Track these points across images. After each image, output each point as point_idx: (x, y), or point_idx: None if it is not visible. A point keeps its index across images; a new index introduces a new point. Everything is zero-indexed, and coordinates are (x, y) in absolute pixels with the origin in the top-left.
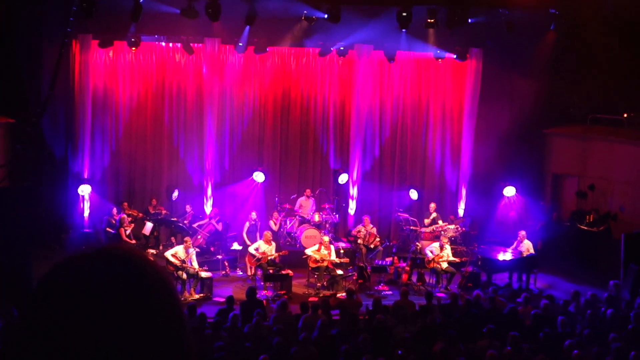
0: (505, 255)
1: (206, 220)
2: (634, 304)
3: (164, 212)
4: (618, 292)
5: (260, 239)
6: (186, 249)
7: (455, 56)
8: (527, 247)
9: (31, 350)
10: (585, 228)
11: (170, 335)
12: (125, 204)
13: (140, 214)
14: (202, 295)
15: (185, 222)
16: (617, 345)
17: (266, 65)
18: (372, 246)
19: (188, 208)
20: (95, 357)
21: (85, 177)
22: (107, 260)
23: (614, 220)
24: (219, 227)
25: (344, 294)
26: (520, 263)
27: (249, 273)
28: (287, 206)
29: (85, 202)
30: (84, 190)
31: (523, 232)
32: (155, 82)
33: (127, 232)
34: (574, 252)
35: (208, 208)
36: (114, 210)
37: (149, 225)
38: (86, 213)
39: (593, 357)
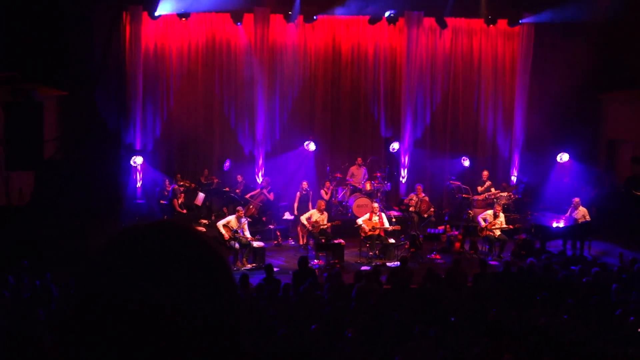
0: (559, 223)
1: (258, 190)
2: None
3: (215, 181)
4: None
5: (312, 208)
6: (238, 219)
7: (507, 21)
8: (581, 214)
9: (89, 320)
10: None
11: (223, 305)
12: (179, 175)
13: (193, 185)
14: (254, 264)
15: (237, 191)
16: None
17: (316, 34)
18: (425, 215)
19: (240, 178)
20: (151, 326)
21: (138, 148)
22: (162, 231)
23: None
24: (271, 196)
25: (396, 262)
26: (574, 230)
27: (301, 242)
28: (339, 175)
29: (138, 173)
30: (137, 161)
31: (577, 199)
32: (205, 52)
33: (180, 203)
34: (629, 218)
35: (259, 178)
36: (167, 181)
37: (201, 196)
38: (139, 184)
39: None
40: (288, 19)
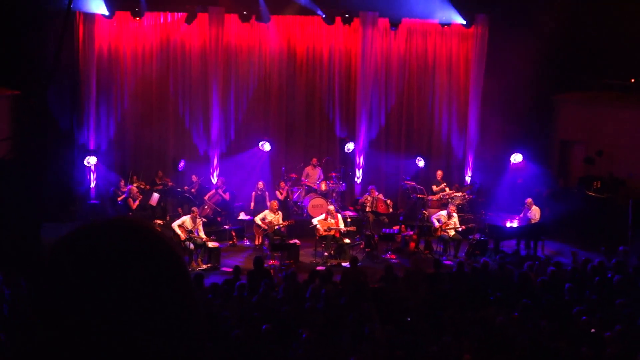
0: (513, 223)
1: (213, 190)
2: None
3: (170, 183)
4: (626, 258)
5: (267, 208)
6: (193, 219)
7: (464, 23)
8: (534, 214)
9: (44, 318)
10: (593, 194)
11: (178, 304)
12: (134, 177)
13: (147, 186)
14: (209, 265)
15: (193, 191)
16: (627, 311)
17: (271, 34)
18: (390, 210)
19: (194, 178)
20: (104, 325)
21: (92, 148)
22: (116, 230)
23: (622, 186)
24: (226, 197)
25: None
26: (528, 230)
27: (256, 243)
28: (294, 175)
29: (91, 173)
30: (90, 161)
31: (530, 199)
32: (159, 53)
33: (136, 203)
34: (582, 218)
35: (214, 178)
36: (122, 182)
37: (155, 196)
38: (93, 184)
39: (601, 323)
40: (243, 18)
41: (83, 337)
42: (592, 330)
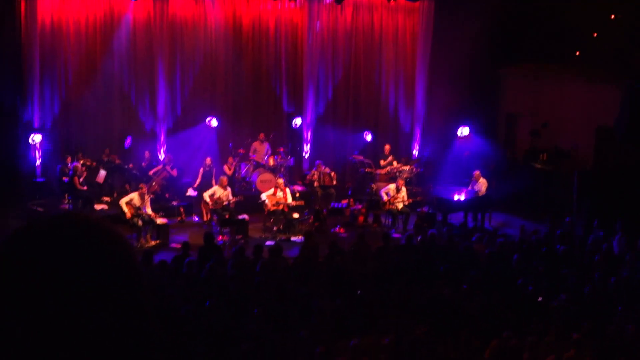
0: (460, 195)
1: (160, 166)
2: (587, 240)
3: (117, 161)
4: (572, 229)
5: (216, 184)
6: (141, 196)
7: None
8: (481, 186)
9: None
10: (539, 167)
11: (128, 299)
12: (80, 154)
13: (94, 163)
14: (158, 241)
15: (143, 165)
16: (572, 281)
17: (216, 9)
18: (334, 182)
19: (147, 154)
20: (55, 321)
21: (36, 126)
22: (64, 227)
23: (567, 158)
24: (174, 173)
25: (300, 237)
26: (475, 202)
27: (205, 219)
28: (242, 151)
29: (37, 151)
30: (35, 139)
31: (477, 172)
32: (103, 27)
33: (81, 181)
34: (528, 190)
35: (162, 154)
36: (68, 159)
37: (102, 173)
38: (38, 162)
39: (547, 293)
40: None
41: (30, 332)
42: (539, 299)
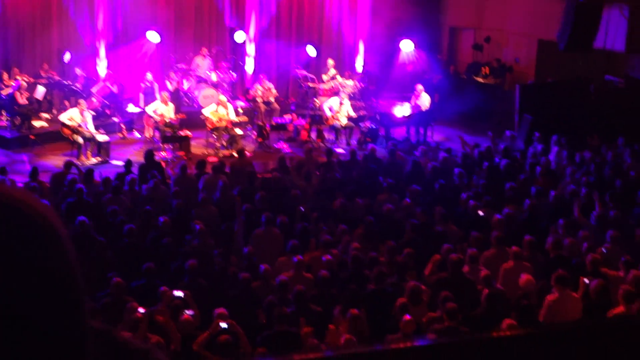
0: (403, 110)
1: (100, 82)
2: (528, 154)
3: (56, 77)
4: (513, 143)
5: (156, 100)
6: (81, 112)
7: None
8: (424, 100)
9: None
10: (481, 80)
11: (60, 281)
12: (16, 69)
13: (32, 79)
14: (99, 159)
15: (78, 85)
16: (512, 194)
17: None
18: (272, 99)
19: (78, 71)
20: None
21: None
22: None
23: (509, 72)
24: (114, 89)
25: None
26: (418, 117)
27: (147, 135)
28: (184, 66)
29: None
30: None
31: (420, 86)
32: None
33: (22, 98)
34: (470, 104)
35: (102, 70)
36: (5, 75)
37: (41, 90)
38: None
39: (488, 207)
40: None
41: None
42: (480, 213)
